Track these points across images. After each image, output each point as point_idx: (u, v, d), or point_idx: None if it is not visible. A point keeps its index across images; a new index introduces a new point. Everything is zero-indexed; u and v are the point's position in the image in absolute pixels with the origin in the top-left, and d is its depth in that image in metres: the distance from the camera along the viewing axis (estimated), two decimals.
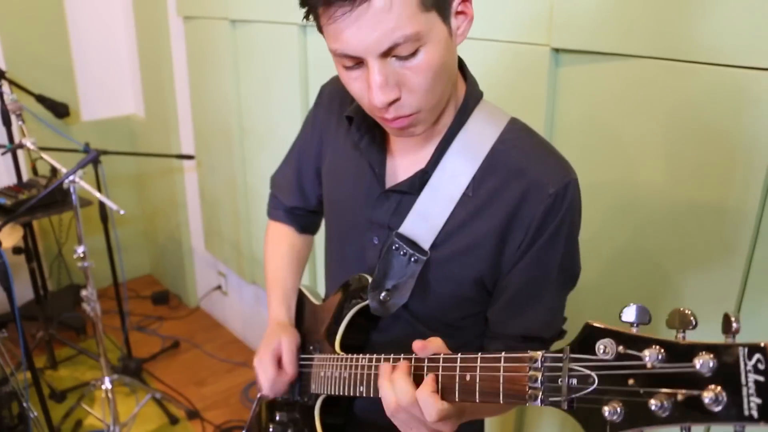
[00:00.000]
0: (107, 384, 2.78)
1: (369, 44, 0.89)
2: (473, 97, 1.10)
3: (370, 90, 0.93)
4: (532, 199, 1.03)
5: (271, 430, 1.35)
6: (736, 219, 1.34)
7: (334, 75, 1.28)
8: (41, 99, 3.51)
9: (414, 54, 0.91)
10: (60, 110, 3.63)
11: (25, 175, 3.39)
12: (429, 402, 0.89)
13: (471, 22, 0.98)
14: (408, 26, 0.87)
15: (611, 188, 1.56)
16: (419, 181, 1.10)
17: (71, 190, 2.54)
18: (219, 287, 3.84)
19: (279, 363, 1.29)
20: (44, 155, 2.78)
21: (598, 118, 1.56)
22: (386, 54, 0.90)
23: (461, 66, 1.12)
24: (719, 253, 1.39)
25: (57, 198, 2.93)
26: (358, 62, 0.93)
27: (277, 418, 1.34)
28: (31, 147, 2.69)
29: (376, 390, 1.01)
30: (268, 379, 1.28)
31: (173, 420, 3.08)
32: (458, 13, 0.96)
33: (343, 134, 1.23)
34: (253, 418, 1.44)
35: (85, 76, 3.88)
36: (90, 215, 3.16)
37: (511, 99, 1.68)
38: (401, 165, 1.15)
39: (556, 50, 1.59)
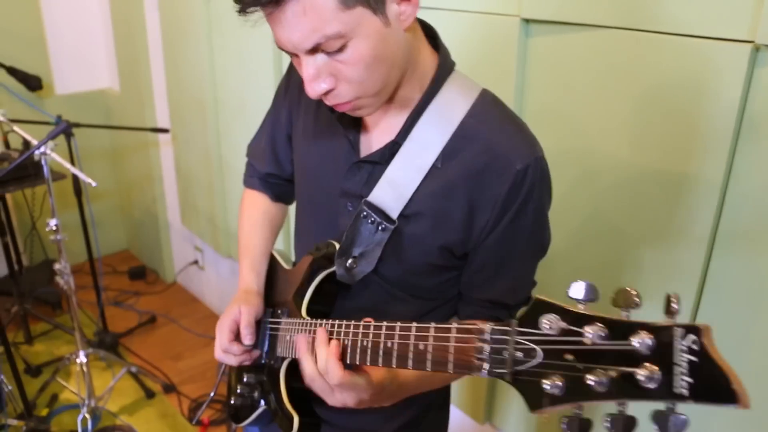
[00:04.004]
0: (82, 358, 2.77)
1: (294, 43, 0.93)
2: (445, 68, 1.10)
3: (304, 81, 0.98)
4: (498, 175, 1.04)
5: (239, 391, 1.37)
6: (701, 189, 1.36)
7: None
8: (12, 71, 3.45)
9: (342, 49, 0.93)
10: (32, 83, 3.57)
11: None
12: (330, 367, 0.99)
13: (416, 7, 0.97)
14: (327, 27, 0.90)
15: (579, 157, 1.58)
16: (389, 151, 1.10)
17: (43, 162, 2.51)
18: (196, 262, 3.83)
19: (238, 331, 1.29)
20: (16, 128, 2.75)
21: (567, 88, 1.56)
22: (313, 51, 0.94)
23: (434, 37, 1.12)
24: (684, 223, 1.41)
25: (30, 171, 2.90)
26: (295, 53, 0.96)
27: (245, 379, 1.35)
28: (1, 119, 2.65)
29: None
30: (221, 346, 1.28)
31: (149, 394, 3.09)
32: (401, 0, 0.95)
33: (315, 103, 1.23)
34: (223, 380, 1.46)
35: (58, 49, 3.82)
36: (64, 189, 3.12)
37: (481, 69, 1.68)
38: (375, 135, 1.16)
39: (526, 20, 1.59)
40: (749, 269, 1.34)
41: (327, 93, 0.99)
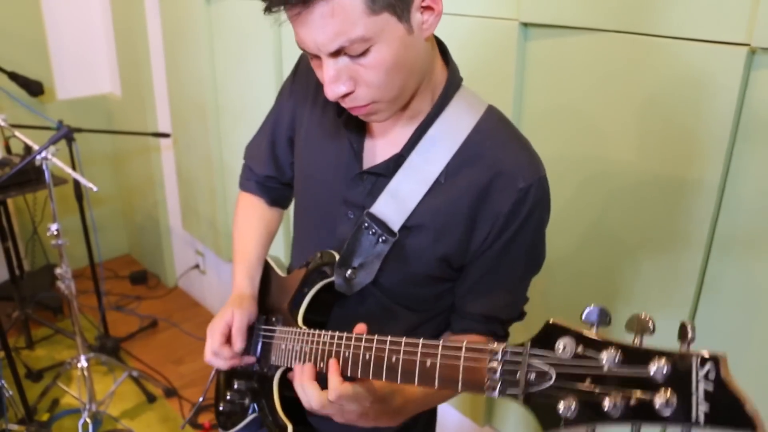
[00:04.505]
0: (83, 362, 2.78)
1: (318, 44, 0.93)
2: (453, 84, 1.11)
3: (323, 83, 0.98)
4: (501, 191, 1.05)
5: (228, 397, 1.35)
6: (699, 192, 1.36)
7: None
8: (14, 76, 3.46)
9: (365, 53, 0.94)
10: (34, 88, 3.58)
11: None
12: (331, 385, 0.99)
13: (439, 16, 0.98)
14: (353, 30, 0.91)
15: (577, 160, 1.58)
16: (394, 164, 1.11)
17: (44, 167, 2.52)
18: (197, 266, 3.84)
19: (229, 335, 1.28)
20: (17, 133, 2.76)
21: (565, 92, 1.57)
22: (336, 53, 0.94)
23: (444, 52, 1.12)
24: (681, 227, 1.41)
25: (31, 176, 2.91)
26: (317, 54, 0.97)
27: (236, 386, 1.33)
28: (2, 124, 2.66)
29: None
30: (211, 348, 1.26)
31: (151, 398, 3.09)
32: (424, 8, 0.96)
33: (321, 106, 1.23)
34: (212, 385, 1.46)
35: (60, 54, 3.83)
36: (66, 194, 3.14)
37: (480, 73, 1.69)
38: (380, 145, 1.16)
39: (525, 24, 1.60)
40: (746, 272, 1.35)
41: (345, 96, 1.00)
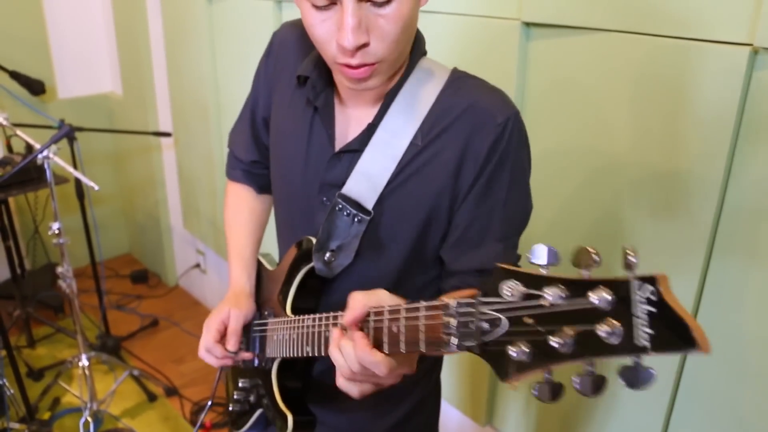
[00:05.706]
0: (84, 361, 2.78)
1: None
2: (418, 51, 1.12)
3: (342, 31, 0.94)
4: (481, 130, 1.05)
5: (236, 397, 1.37)
6: (701, 191, 1.36)
7: (285, 22, 1.29)
8: (15, 75, 3.47)
9: (389, 2, 0.93)
10: (35, 87, 3.59)
11: (0, 153, 3.36)
12: (370, 359, 0.89)
13: None
14: None
15: (579, 160, 1.58)
16: (368, 135, 1.11)
17: (45, 166, 2.52)
18: (198, 265, 3.84)
19: (224, 332, 1.29)
20: (19, 132, 2.76)
21: (567, 91, 1.57)
22: None
23: None
24: (684, 225, 1.41)
25: (32, 175, 2.91)
26: (332, 2, 0.94)
27: (240, 384, 1.35)
28: (4, 122, 2.66)
29: (321, 348, 1.06)
30: (204, 345, 1.28)
31: (151, 397, 3.09)
32: None
33: (292, 90, 1.22)
34: (220, 386, 1.46)
35: (62, 53, 3.83)
36: (67, 193, 3.14)
37: (481, 72, 1.67)
38: (352, 123, 1.15)
39: (527, 24, 1.60)
40: (749, 270, 1.35)
41: (358, 49, 0.96)
